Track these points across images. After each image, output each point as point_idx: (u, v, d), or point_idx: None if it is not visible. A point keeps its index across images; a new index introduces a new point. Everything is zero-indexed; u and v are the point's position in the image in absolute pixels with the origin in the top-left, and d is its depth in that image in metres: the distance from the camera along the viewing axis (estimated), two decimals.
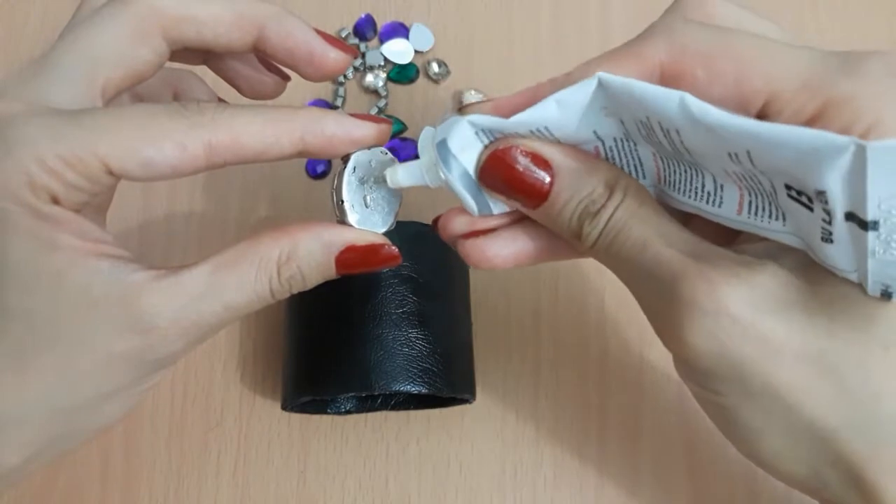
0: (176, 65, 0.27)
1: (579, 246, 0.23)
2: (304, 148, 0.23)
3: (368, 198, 0.26)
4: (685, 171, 0.22)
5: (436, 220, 0.26)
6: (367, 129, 0.24)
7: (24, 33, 0.43)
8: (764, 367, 0.20)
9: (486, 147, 0.23)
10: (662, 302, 0.22)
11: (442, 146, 0.23)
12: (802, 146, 0.17)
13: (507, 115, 0.22)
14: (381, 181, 0.26)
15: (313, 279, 0.24)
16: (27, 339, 0.22)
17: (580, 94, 0.21)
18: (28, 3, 0.44)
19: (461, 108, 0.23)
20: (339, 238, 0.24)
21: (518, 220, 0.25)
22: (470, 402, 0.34)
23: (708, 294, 0.20)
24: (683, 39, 0.21)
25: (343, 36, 0.43)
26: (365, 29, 0.43)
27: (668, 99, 0.19)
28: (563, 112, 0.21)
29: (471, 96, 0.41)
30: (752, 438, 0.22)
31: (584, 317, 0.38)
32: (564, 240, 0.24)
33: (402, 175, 0.25)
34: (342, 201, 0.25)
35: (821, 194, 0.17)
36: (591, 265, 0.40)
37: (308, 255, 0.24)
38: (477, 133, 0.23)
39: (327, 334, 0.32)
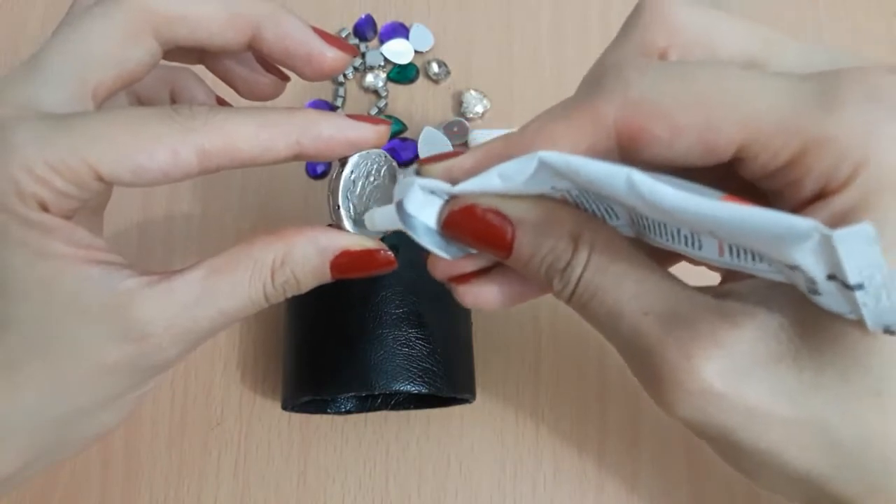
0: (174, 63, 0.27)
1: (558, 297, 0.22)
2: (300, 151, 0.23)
3: (365, 202, 0.25)
4: (656, 220, 0.20)
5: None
6: (365, 132, 0.24)
7: (24, 34, 0.43)
8: (752, 433, 0.20)
9: (445, 203, 0.22)
10: (644, 371, 0.21)
11: (401, 206, 0.22)
12: (765, 233, 0.16)
13: (457, 179, 0.22)
14: (378, 185, 0.25)
15: (308, 283, 0.24)
16: (18, 347, 0.22)
17: (522, 168, 0.20)
18: (28, 3, 0.44)
19: (419, 165, 0.23)
20: (334, 243, 0.24)
21: None
22: (470, 402, 0.34)
23: (689, 373, 0.19)
24: (638, 94, 0.19)
25: (343, 36, 0.43)
26: (365, 29, 0.43)
27: (615, 178, 0.18)
28: (507, 184, 0.21)
29: (471, 96, 0.41)
30: (749, 476, 0.22)
31: None
32: None
33: (379, 219, 0.24)
34: (338, 205, 0.25)
35: (796, 267, 0.17)
36: None
37: (303, 259, 0.23)
38: (433, 192, 0.22)
39: (327, 334, 0.32)
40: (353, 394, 0.33)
